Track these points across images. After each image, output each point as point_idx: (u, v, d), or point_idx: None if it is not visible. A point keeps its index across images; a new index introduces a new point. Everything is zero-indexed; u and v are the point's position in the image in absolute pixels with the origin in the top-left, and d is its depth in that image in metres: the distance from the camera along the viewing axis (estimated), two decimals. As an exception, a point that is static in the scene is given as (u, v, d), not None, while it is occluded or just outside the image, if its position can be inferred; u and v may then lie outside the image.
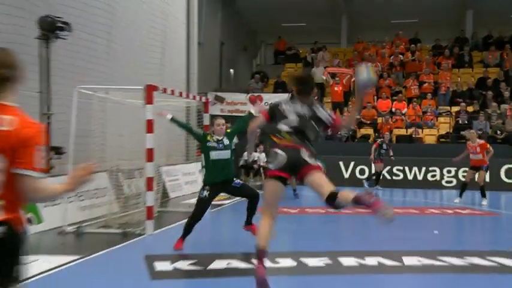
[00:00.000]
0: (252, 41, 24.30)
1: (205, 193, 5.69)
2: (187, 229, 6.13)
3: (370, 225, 8.36)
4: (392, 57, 19.27)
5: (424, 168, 14.47)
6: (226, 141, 6.01)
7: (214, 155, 5.85)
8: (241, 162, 15.57)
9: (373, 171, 14.07)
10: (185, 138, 13.69)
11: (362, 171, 14.78)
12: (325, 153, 15.26)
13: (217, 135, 6.01)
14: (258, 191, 6.06)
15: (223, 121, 6.27)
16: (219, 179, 5.84)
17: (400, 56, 19.16)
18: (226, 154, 5.97)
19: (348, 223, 9.03)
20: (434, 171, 14.47)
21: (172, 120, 6.25)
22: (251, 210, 6.29)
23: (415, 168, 14.48)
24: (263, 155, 14.84)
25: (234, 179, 5.92)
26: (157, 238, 7.22)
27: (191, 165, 13.64)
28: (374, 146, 13.85)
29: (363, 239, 6.99)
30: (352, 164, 14.83)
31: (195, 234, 6.38)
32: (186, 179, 12.87)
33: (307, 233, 6.76)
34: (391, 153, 13.64)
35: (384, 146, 13.81)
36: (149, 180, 7.38)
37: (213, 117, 14.20)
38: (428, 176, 14.50)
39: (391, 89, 17.97)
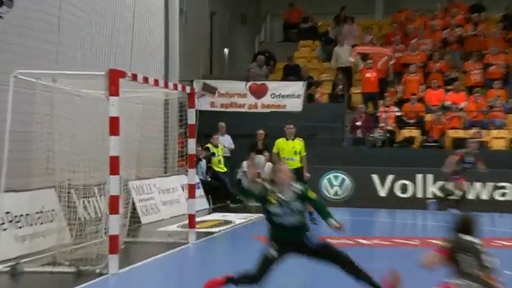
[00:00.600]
0: (254, 11, 24.29)
1: (273, 252, 5.39)
2: (238, 282, 5.77)
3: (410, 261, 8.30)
4: (446, 31, 19.23)
5: (490, 185, 14.42)
6: (295, 205, 5.57)
7: (277, 220, 5.49)
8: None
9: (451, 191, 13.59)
10: (163, 143, 13.66)
11: (404, 188, 14.74)
12: (352, 162, 15.29)
13: (280, 187, 5.54)
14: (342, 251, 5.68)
15: (286, 165, 5.76)
16: (289, 238, 5.52)
17: (458, 29, 19.13)
18: (296, 220, 5.57)
19: (385, 257, 8.97)
20: (504, 188, 14.42)
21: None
22: (355, 276, 5.75)
23: (478, 184, 14.43)
24: (268, 165, 14.82)
25: (308, 234, 5.49)
26: (123, 279, 7.17)
27: (171, 179, 13.59)
28: (454, 157, 13.19)
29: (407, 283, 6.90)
30: (390, 177, 14.78)
31: (174, 273, 6.32)
32: (164, 198, 12.84)
33: (328, 272, 6.70)
34: (482, 166, 13.03)
35: (469, 158, 13.22)
36: (113, 200, 7.34)
37: (201, 113, 14.21)
38: (496, 195, 14.44)
39: (444, 74, 17.94)
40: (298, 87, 16.84)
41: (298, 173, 11.73)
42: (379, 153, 15.61)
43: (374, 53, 17.87)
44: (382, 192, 14.84)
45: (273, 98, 16.80)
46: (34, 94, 7.94)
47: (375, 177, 14.87)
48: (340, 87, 17.62)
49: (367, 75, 17.27)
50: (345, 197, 14.96)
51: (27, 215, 8.40)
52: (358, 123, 16.44)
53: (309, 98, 17.55)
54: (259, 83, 17.18)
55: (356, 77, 18.37)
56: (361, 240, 9.87)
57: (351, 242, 9.33)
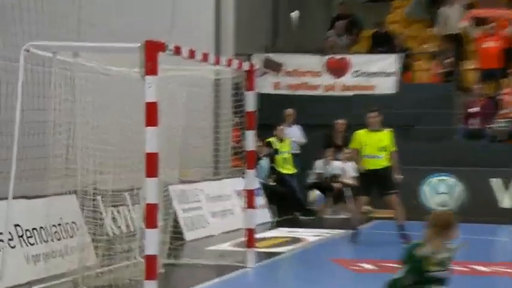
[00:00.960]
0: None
1: None
2: None
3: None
4: None
5: None
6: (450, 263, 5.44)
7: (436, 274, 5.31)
8: (312, 178, 15.50)
9: None
10: (213, 136, 13.75)
11: (537, 197, 14.43)
12: (465, 162, 14.98)
13: (441, 245, 5.33)
14: None
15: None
16: None
17: None
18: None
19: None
20: None
21: None
22: None
23: None
24: (350, 164, 14.72)
25: None
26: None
27: (223, 183, 13.67)
28: None
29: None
30: (517, 183, 14.56)
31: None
32: (214, 208, 12.95)
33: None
34: None
35: None
36: (150, 210, 7.44)
37: (262, 98, 14.13)
38: None
39: None
40: (390, 61, 16.67)
41: (386, 175, 11.59)
42: (502, 150, 15.29)
43: (496, 16, 17.46)
44: (506, 202, 14.55)
45: (357, 76, 16.69)
46: (50, 73, 8.11)
47: (496, 182, 14.63)
48: (449, 61, 17.32)
49: (486, 45, 16.92)
50: (454, 208, 14.70)
51: (41, 228, 8.57)
52: (473, 110, 16.15)
53: (406, 76, 17.31)
54: (338, 57, 17.10)
55: (470, 48, 18.01)
56: (477, 267, 9.69)
57: (464, 269, 9.16)
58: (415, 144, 14.93)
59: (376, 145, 11.56)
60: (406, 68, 17.31)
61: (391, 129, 11.95)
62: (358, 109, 14.13)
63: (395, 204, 11.59)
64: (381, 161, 11.56)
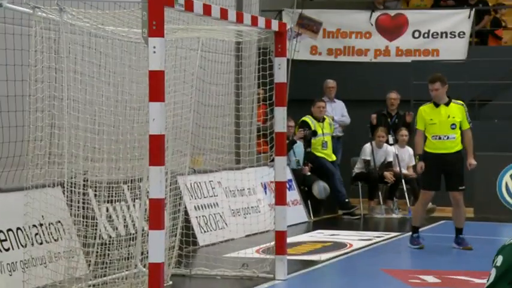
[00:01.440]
0: None
1: None
2: None
3: None
4: None
5: None
6: None
7: None
8: (358, 167, 15.45)
9: None
10: (234, 114, 13.75)
11: None
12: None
13: None
14: None
15: None
16: None
17: None
18: None
19: None
20: None
21: None
22: None
23: None
24: (407, 149, 14.68)
25: None
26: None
27: (246, 173, 13.67)
28: None
29: None
30: None
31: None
32: (235, 205, 13.00)
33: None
34: None
35: None
36: (155, 207, 7.47)
37: (295, 64, 14.04)
38: None
39: None
40: (461, 18, 16.55)
41: (456, 163, 11.39)
42: None
43: None
44: None
45: (417, 38, 16.59)
46: (29, 34, 8.12)
47: None
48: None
49: None
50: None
51: (18, 229, 8.62)
52: None
53: (481, 38, 17.19)
54: (392, 13, 17.01)
55: None
56: None
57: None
58: (491, 124, 14.81)
59: (447, 122, 11.35)
60: (481, 26, 17.16)
61: (463, 102, 11.79)
62: (418, 80, 14.08)
63: (457, 202, 11.39)
64: (453, 144, 11.34)
